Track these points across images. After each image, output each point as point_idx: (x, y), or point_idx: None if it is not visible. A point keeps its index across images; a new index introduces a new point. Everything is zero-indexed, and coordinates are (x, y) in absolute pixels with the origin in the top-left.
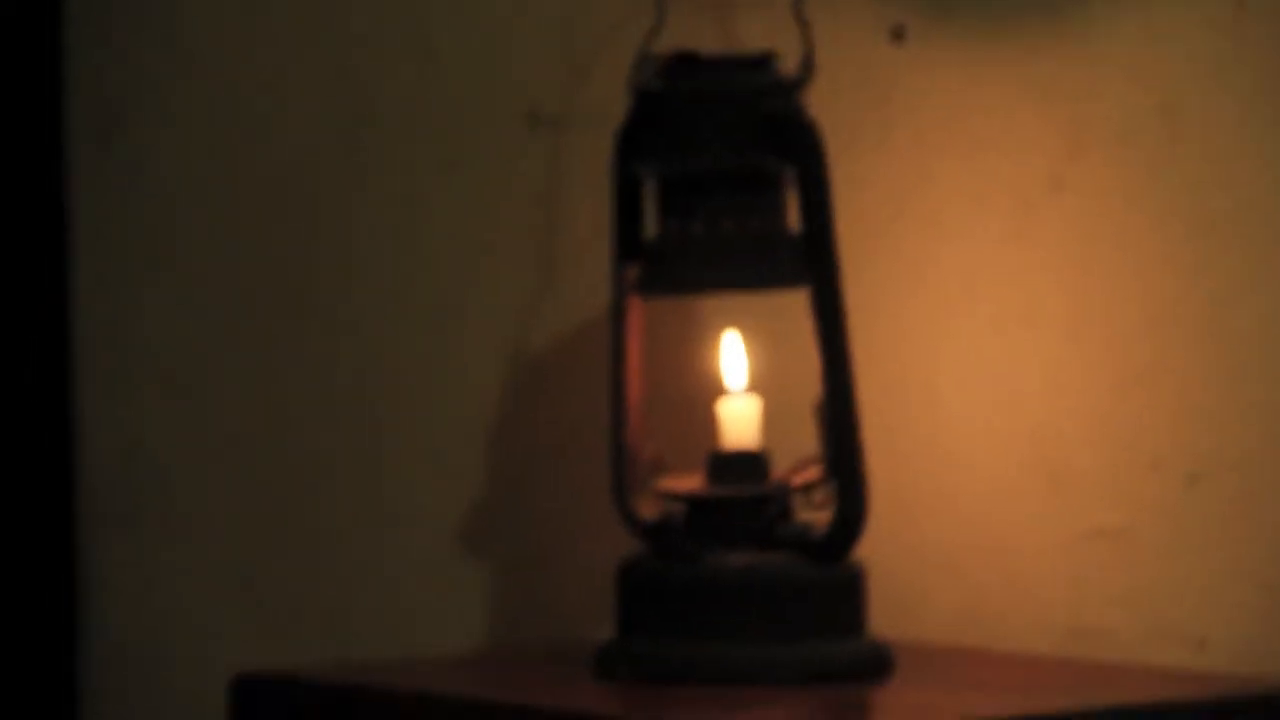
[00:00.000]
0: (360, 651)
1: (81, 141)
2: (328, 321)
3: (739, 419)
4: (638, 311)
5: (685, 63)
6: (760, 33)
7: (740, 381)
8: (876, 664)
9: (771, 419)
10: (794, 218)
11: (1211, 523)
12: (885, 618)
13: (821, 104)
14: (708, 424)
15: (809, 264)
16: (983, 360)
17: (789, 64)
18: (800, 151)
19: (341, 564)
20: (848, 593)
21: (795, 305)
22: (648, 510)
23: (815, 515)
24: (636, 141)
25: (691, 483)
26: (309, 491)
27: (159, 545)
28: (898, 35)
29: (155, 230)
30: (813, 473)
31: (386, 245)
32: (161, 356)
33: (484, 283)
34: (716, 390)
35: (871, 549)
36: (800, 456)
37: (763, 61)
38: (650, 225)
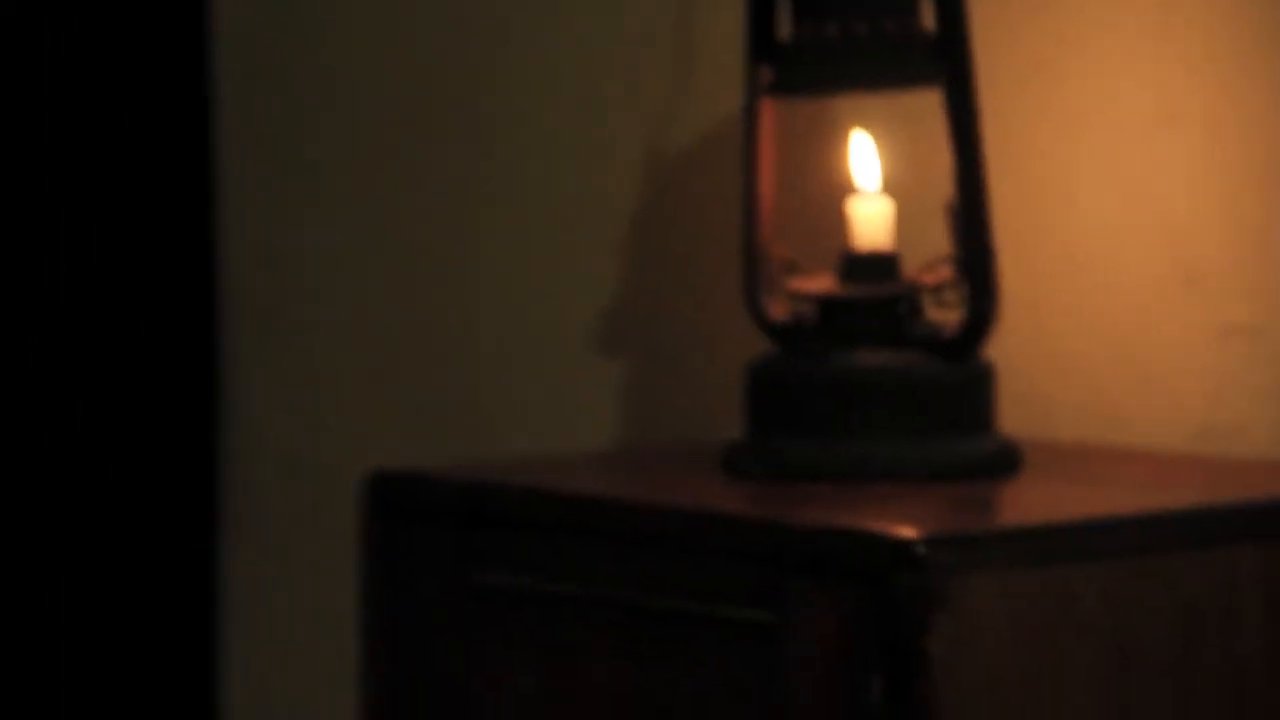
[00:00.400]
0: (496, 451)
1: None
2: (468, 123)
3: (870, 219)
4: (771, 112)
5: None
6: None
7: (872, 182)
8: (1004, 461)
9: (904, 219)
10: (928, 18)
11: None
12: (1016, 417)
13: None
14: (840, 224)
15: (942, 64)
16: (1119, 160)
17: None
18: None
19: (478, 363)
20: (976, 391)
21: (930, 106)
22: (779, 310)
23: (946, 315)
24: None
25: (823, 283)
26: (446, 291)
27: (299, 344)
28: None
29: (303, 40)
30: (944, 273)
31: (527, 45)
32: (304, 156)
33: (621, 83)
34: (849, 191)
35: (1003, 350)
36: (932, 257)
37: None
38: (786, 25)
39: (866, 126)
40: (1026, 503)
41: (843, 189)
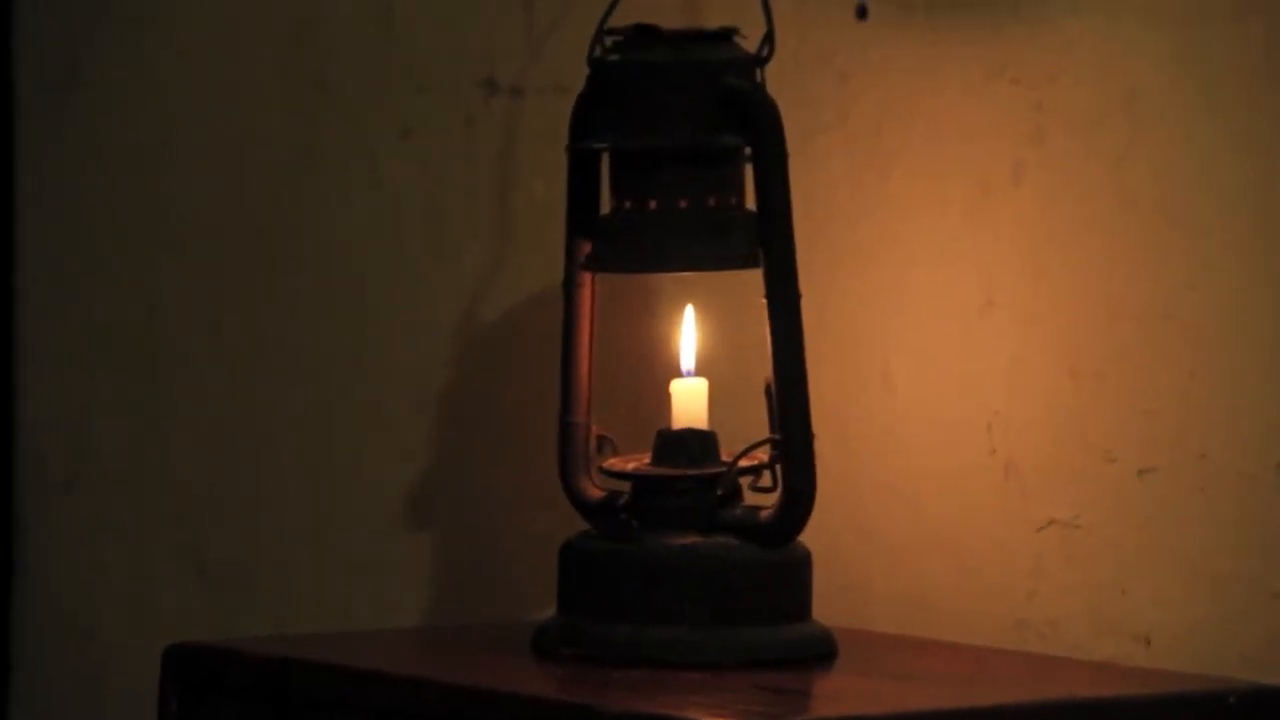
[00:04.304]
0: (302, 624)
1: (32, 111)
2: (278, 290)
3: (687, 399)
4: (591, 287)
5: (644, 35)
6: (723, 8)
7: (690, 361)
8: (819, 650)
9: (725, 400)
10: (750, 196)
11: (1162, 518)
12: (831, 605)
13: (781, 81)
14: (660, 403)
15: (763, 244)
16: (938, 347)
17: (751, 41)
18: (758, 129)
19: (285, 535)
20: (792, 577)
21: (752, 284)
22: (594, 489)
23: (762, 498)
24: (593, 115)
25: (638, 462)
26: (254, 462)
27: (99, 513)
28: (861, 13)
29: (103, 199)
30: (761, 455)
31: (340, 213)
32: (106, 324)
33: (437, 253)
34: (669, 369)
35: (818, 535)
36: (750, 439)
37: (723, 36)
38: (607, 199)
39: (690, 304)
40: (840, 694)
41: (665, 367)
